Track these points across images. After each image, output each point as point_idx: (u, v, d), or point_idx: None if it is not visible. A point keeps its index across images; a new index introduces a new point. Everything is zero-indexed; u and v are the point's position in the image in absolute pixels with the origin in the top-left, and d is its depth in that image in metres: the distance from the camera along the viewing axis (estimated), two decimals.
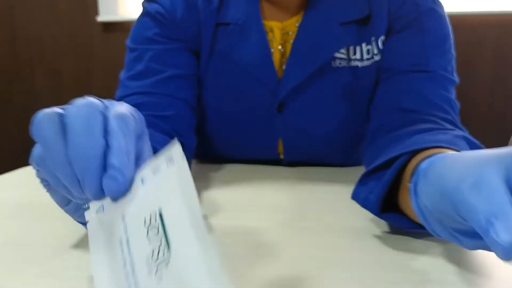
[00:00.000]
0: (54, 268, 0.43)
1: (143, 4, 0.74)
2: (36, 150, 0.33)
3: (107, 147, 0.31)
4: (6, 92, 2.52)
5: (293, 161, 0.80)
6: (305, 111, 0.73)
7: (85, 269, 0.42)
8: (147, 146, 0.37)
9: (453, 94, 0.68)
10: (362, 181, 0.53)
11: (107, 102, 0.35)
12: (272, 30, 0.72)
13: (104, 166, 0.30)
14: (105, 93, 2.43)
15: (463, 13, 2.32)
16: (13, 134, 2.54)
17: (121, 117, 0.33)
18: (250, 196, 0.65)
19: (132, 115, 0.35)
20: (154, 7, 0.71)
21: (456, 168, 0.34)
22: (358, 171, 0.77)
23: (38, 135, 0.32)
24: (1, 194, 0.67)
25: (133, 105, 0.65)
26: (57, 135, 0.31)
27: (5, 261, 0.45)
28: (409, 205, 0.44)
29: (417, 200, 0.40)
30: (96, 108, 0.32)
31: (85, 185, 0.30)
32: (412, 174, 0.43)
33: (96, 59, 2.53)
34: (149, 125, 0.61)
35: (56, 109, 0.33)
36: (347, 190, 0.67)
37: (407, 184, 0.45)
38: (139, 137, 0.35)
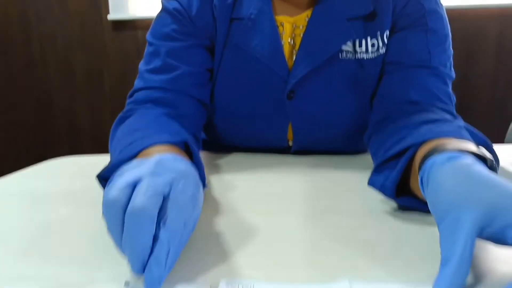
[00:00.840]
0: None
1: (162, 1, 0.79)
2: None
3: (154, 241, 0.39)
4: (21, 88, 2.58)
5: (300, 149, 0.85)
6: (313, 98, 0.78)
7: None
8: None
9: (450, 88, 0.75)
10: (377, 170, 0.61)
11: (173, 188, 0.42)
12: (282, 24, 0.77)
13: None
14: (116, 89, 2.48)
15: (466, 6, 2.35)
16: (29, 129, 2.60)
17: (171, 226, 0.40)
18: (261, 183, 0.70)
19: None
20: (172, 4, 0.77)
21: (446, 192, 0.43)
22: (361, 158, 0.83)
23: (105, 215, 0.42)
24: (34, 184, 0.73)
25: (152, 98, 0.71)
26: (118, 226, 0.40)
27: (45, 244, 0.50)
28: (419, 188, 0.51)
29: (424, 191, 0.48)
30: (150, 217, 0.39)
31: (132, 268, 0.39)
32: (420, 165, 0.51)
33: (107, 57, 2.58)
34: (171, 119, 0.69)
35: (121, 200, 0.40)
36: (354, 175, 0.72)
37: (416, 171, 0.53)
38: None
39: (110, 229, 0.41)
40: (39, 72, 2.57)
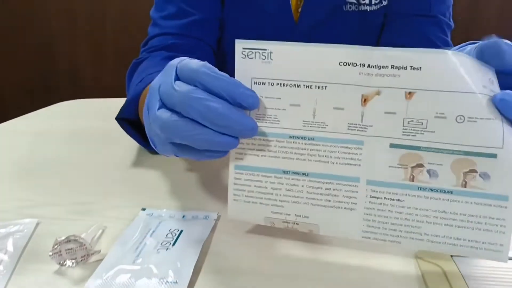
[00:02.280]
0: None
1: None
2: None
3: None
4: (21, 31, 2.57)
5: None
6: None
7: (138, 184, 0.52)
8: None
9: (449, 37, 0.78)
10: None
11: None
12: None
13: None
14: (120, 35, 2.47)
15: None
16: (30, 73, 2.60)
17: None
18: None
19: None
20: None
21: None
22: None
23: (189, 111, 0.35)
24: (49, 124, 0.77)
25: (167, 44, 0.73)
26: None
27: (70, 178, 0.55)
28: None
29: None
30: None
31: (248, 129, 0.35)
32: None
33: (110, 2, 2.55)
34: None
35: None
36: None
37: None
38: None
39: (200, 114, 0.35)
40: (40, 16, 2.55)
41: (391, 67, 0.34)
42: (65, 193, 0.49)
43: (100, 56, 2.51)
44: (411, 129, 0.34)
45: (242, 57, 0.38)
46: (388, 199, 0.35)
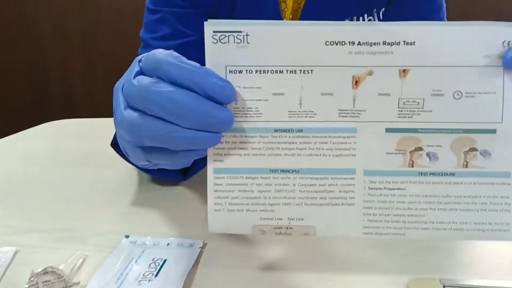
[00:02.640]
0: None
1: None
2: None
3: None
4: (12, 47, 2.56)
5: None
6: None
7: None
8: None
9: None
10: None
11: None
12: (285, 1, 0.78)
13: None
14: (112, 48, 2.46)
15: None
16: (21, 89, 2.59)
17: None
18: None
19: None
20: None
21: None
22: None
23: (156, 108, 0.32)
24: (35, 145, 0.75)
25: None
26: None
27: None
28: None
29: None
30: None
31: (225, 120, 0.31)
32: None
33: (103, 15, 2.55)
34: None
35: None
36: None
37: None
38: None
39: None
40: (33, 31, 2.54)
41: (383, 43, 0.32)
42: (46, 219, 0.48)
43: (93, 73, 2.51)
44: (407, 110, 0.33)
45: (213, 42, 0.33)
46: (388, 189, 0.33)
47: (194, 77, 0.31)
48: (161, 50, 0.34)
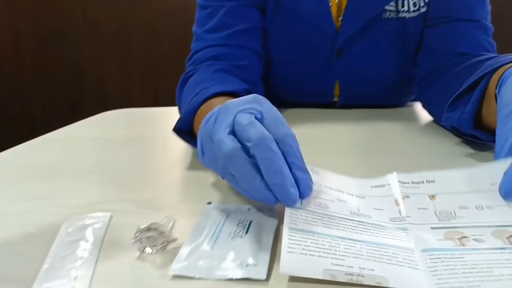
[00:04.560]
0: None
1: None
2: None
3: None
4: (51, 52, 2.64)
5: (345, 104, 0.89)
6: (360, 56, 0.82)
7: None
8: None
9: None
10: (451, 108, 0.64)
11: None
12: None
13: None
14: (146, 52, 2.52)
15: None
16: (59, 90, 2.66)
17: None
18: (312, 130, 0.75)
19: None
20: None
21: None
22: (403, 111, 0.88)
23: (235, 171, 0.39)
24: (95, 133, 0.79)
25: (212, 55, 0.76)
26: (253, 172, 0.38)
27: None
28: (492, 112, 0.55)
29: (499, 92, 0.53)
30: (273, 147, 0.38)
31: (284, 202, 0.38)
32: (498, 80, 0.54)
33: (137, 19, 2.61)
34: (230, 73, 0.72)
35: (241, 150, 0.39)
36: (400, 125, 0.77)
37: (491, 96, 0.56)
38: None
39: (241, 177, 0.39)
40: (69, 34, 2.62)
41: (411, 183, 0.44)
42: (132, 191, 0.51)
43: (127, 71, 2.57)
44: (444, 217, 0.40)
45: None
46: (448, 258, 0.35)
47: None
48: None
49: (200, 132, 0.45)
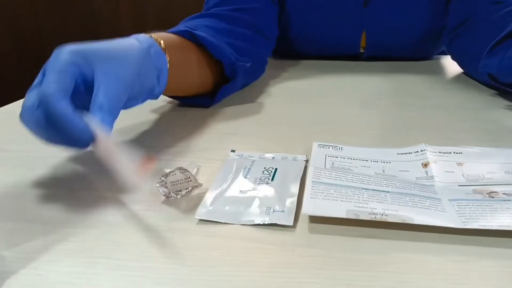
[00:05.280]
0: None
1: None
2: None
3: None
4: (66, 2, 2.59)
5: (371, 56, 0.87)
6: (389, 4, 0.79)
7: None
8: None
9: None
10: (490, 53, 0.61)
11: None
12: None
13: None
14: (162, 4, 2.46)
15: None
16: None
17: None
18: (337, 83, 0.74)
19: None
20: None
21: None
22: (431, 64, 0.85)
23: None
24: None
25: (220, 1, 0.70)
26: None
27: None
28: None
29: None
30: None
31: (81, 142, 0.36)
32: None
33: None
34: (231, 20, 0.67)
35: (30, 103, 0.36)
36: (427, 78, 0.75)
37: None
38: None
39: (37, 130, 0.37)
40: None
41: (439, 152, 0.44)
42: (155, 138, 0.51)
43: (143, 25, 2.53)
44: (472, 179, 0.39)
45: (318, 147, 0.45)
46: (476, 206, 0.34)
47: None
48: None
49: None
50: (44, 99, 0.35)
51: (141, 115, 0.58)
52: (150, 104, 0.62)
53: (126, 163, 0.35)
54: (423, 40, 0.84)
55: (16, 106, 0.62)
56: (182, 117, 0.58)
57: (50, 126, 0.35)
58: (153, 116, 0.58)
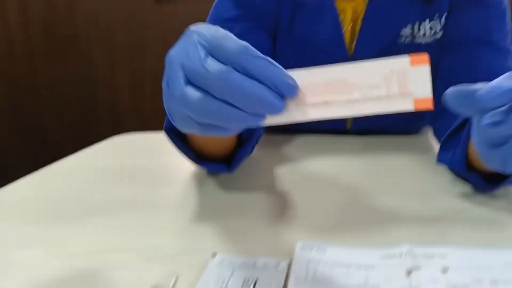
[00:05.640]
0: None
1: None
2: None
3: None
4: (64, 60, 2.64)
5: (357, 131, 0.87)
6: None
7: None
8: None
9: (510, 63, 0.74)
10: (444, 147, 0.62)
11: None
12: (344, 10, 0.78)
13: None
14: (158, 63, 2.51)
15: None
16: (71, 100, 2.67)
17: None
18: (323, 162, 0.73)
19: None
20: None
21: None
22: (416, 139, 0.85)
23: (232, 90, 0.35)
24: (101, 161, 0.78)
25: None
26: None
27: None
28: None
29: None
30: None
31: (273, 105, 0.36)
32: None
33: (149, 31, 2.61)
34: None
35: None
36: (412, 156, 0.75)
37: None
38: None
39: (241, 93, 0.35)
40: (82, 45, 2.62)
41: (424, 255, 0.42)
42: (132, 236, 0.49)
43: (139, 84, 2.57)
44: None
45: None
46: None
47: (266, 71, 0.36)
48: (231, 38, 0.38)
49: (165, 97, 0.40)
50: (241, 51, 0.36)
51: (122, 203, 0.57)
52: (131, 189, 0.61)
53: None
54: (408, 115, 0.84)
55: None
56: (165, 205, 0.56)
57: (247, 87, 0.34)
58: (134, 207, 0.57)
